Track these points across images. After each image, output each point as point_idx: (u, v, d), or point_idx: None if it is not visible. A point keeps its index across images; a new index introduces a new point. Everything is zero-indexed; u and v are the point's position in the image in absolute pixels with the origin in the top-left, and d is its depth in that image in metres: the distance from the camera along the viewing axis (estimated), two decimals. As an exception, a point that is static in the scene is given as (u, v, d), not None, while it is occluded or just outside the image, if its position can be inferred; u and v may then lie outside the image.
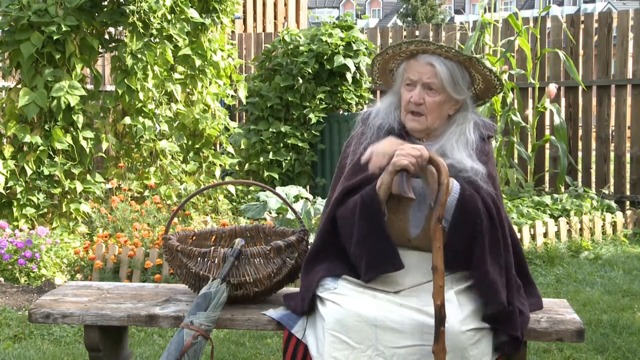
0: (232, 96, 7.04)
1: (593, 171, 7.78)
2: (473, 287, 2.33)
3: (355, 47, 7.57)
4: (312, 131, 7.47)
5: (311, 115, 7.42)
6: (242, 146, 7.47)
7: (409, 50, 2.44)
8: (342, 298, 2.28)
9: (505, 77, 7.37)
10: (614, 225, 6.62)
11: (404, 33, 8.63)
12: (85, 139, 5.70)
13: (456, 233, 2.29)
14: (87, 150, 5.73)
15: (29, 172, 5.46)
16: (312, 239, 2.66)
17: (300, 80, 7.44)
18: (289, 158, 7.40)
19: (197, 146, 6.50)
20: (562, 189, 7.30)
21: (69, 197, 5.71)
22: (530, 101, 7.82)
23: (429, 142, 2.44)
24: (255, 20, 10.73)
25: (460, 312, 2.24)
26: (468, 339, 2.21)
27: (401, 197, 2.27)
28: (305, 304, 2.37)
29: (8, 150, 5.51)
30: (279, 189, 6.49)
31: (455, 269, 2.32)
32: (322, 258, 2.43)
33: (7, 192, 5.52)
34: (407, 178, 2.23)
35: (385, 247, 2.31)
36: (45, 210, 5.57)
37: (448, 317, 2.20)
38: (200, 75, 6.38)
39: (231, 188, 6.67)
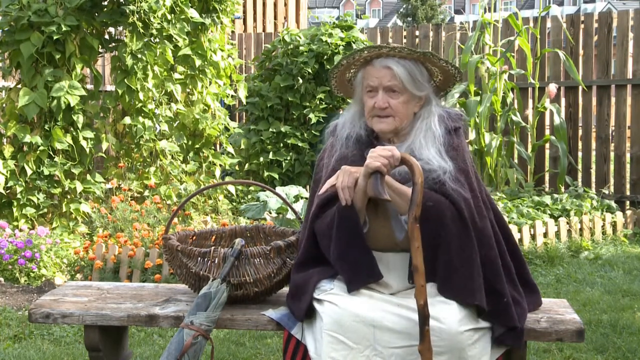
0: (232, 96, 7.05)
1: (593, 171, 7.78)
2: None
3: (355, 47, 7.57)
4: (312, 131, 7.47)
5: (311, 115, 7.42)
6: (242, 146, 7.47)
7: (362, 57, 2.45)
8: (340, 298, 2.29)
9: (505, 77, 7.37)
10: (614, 225, 6.62)
11: (404, 33, 8.63)
12: (85, 139, 5.70)
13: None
14: (87, 150, 5.73)
15: (29, 172, 5.46)
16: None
17: (300, 80, 7.44)
18: (289, 158, 7.40)
19: (197, 146, 6.50)
20: (562, 189, 7.30)
21: (69, 197, 5.71)
22: (530, 101, 7.82)
23: (398, 143, 2.44)
24: (255, 20, 10.72)
25: (458, 312, 2.24)
26: (466, 339, 2.21)
27: (377, 201, 2.28)
28: (302, 312, 2.36)
29: (8, 150, 5.51)
30: (279, 189, 6.49)
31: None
32: (311, 265, 2.43)
33: (7, 192, 5.52)
34: (381, 180, 2.23)
35: (364, 258, 2.31)
36: (45, 210, 5.57)
37: (445, 317, 2.20)
38: (200, 75, 6.38)
39: (231, 188, 6.67)
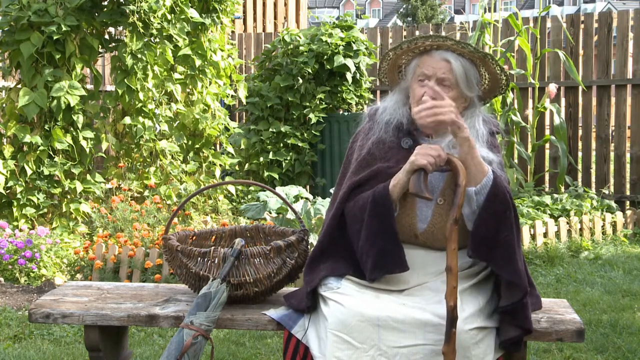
0: (232, 96, 7.04)
1: (593, 171, 7.78)
2: (480, 284, 2.35)
3: (355, 47, 7.57)
4: (312, 131, 7.47)
5: (311, 115, 7.42)
6: (242, 146, 7.47)
7: (424, 45, 2.43)
8: (345, 298, 2.28)
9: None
10: (614, 225, 6.62)
11: (404, 33, 8.63)
12: (85, 139, 5.70)
13: (486, 220, 2.27)
14: (87, 150, 5.73)
15: (29, 172, 5.46)
16: (312, 239, 2.66)
17: (300, 80, 7.44)
18: (289, 158, 7.40)
19: (197, 146, 6.50)
20: (562, 189, 7.30)
21: (69, 197, 5.71)
22: (530, 101, 7.82)
23: (438, 139, 2.43)
24: (255, 20, 10.72)
25: (463, 310, 2.24)
26: (471, 338, 2.21)
27: (409, 193, 2.28)
28: (306, 299, 2.37)
29: (8, 150, 5.51)
30: (279, 189, 6.49)
31: (478, 256, 2.29)
32: (327, 256, 2.43)
33: (7, 192, 5.51)
34: (424, 178, 2.23)
35: (394, 247, 2.30)
36: (45, 210, 5.57)
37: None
38: (200, 75, 6.38)
39: (231, 188, 6.67)
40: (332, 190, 2.62)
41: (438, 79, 2.39)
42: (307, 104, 7.46)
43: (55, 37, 5.37)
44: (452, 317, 2.13)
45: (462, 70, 2.40)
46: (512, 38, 7.46)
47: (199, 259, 2.57)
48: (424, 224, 2.37)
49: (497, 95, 2.57)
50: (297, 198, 6.35)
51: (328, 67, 7.45)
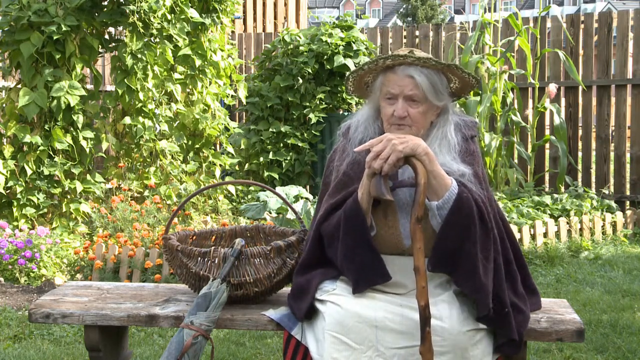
0: (232, 96, 7.04)
1: (593, 171, 7.78)
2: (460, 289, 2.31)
3: (355, 47, 7.57)
4: (312, 131, 7.47)
5: (311, 115, 7.42)
6: (242, 146, 7.47)
7: (385, 64, 2.41)
8: (342, 299, 2.28)
9: (505, 77, 7.37)
10: (614, 225, 6.62)
11: (404, 33, 8.63)
12: (85, 139, 5.70)
13: (448, 234, 2.25)
14: (87, 150, 5.73)
15: (29, 172, 5.46)
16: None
17: (300, 80, 7.44)
18: (289, 158, 7.40)
19: (197, 146, 6.50)
20: (562, 189, 7.30)
21: (69, 197, 5.71)
22: (530, 101, 7.82)
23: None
24: (255, 20, 10.72)
25: (461, 312, 2.24)
26: (468, 339, 2.21)
27: (386, 207, 2.27)
28: (303, 312, 2.36)
29: (8, 150, 5.51)
30: (279, 189, 6.49)
31: (439, 270, 2.27)
32: (315, 266, 2.43)
33: (7, 192, 5.51)
34: (384, 179, 2.22)
35: (372, 260, 2.29)
36: (45, 210, 5.57)
37: (448, 317, 2.20)
38: (200, 75, 6.38)
39: (231, 188, 6.67)
40: (315, 209, 2.61)
41: (405, 97, 2.37)
42: (307, 104, 7.46)
43: (55, 37, 5.37)
44: (425, 317, 2.12)
45: (427, 83, 2.37)
46: (512, 38, 7.46)
47: (199, 259, 2.57)
48: (409, 239, 2.34)
49: (470, 92, 2.55)
50: (297, 198, 6.35)
51: (328, 67, 7.45)
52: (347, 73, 2.46)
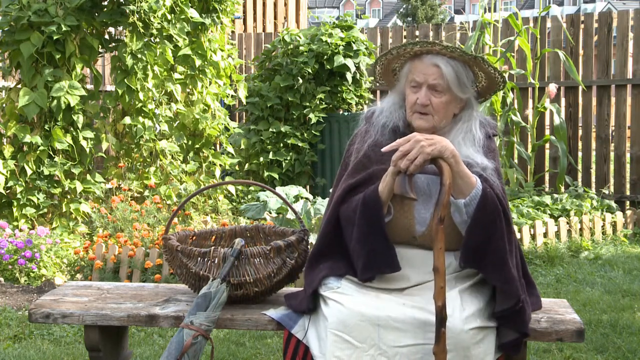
0: (232, 96, 7.04)
1: (593, 171, 7.78)
2: (480, 284, 2.34)
3: (355, 47, 7.57)
4: (312, 131, 7.47)
5: (311, 115, 7.42)
6: (242, 146, 7.47)
7: (413, 50, 2.44)
8: (345, 297, 2.29)
9: (505, 77, 7.37)
10: (614, 225, 6.62)
11: (404, 33, 8.63)
12: (85, 139, 5.70)
13: (477, 230, 2.28)
14: (87, 150, 5.73)
15: (29, 172, 5.46)
16: (312, 239, 2.66)
17: (300, 80, 7.44)
18: (289, 158, 7.40)
19: (197, 146, 6.50)
20: (562, 189, 7.30)
21: (69, 197, 5.71)
22: (530, 101, 7.82)
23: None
24: (255, 20, 10.73)
25: (463, 310, 2.24)
26: (470, 337, 2.21)
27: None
28: (306, 301, 2.37)
29: (8, 150, 5.51)
30: (279, 189, 6.49)
31: (470, 265, 2.31)
32: (326, 257, 2.43)
33: (7, 192, 5.51)
34: (409, 178, 2.23)
35: (384, 248, 2.31)
36: (45, 210, 5.57)
37: (450, 315, 2.20)
38: (200, 75, 6.38)
39: (231, 188, 6.67)
40: (332, 190, 2.62)
41: (429, 86, 2.40)
42: (307, 104, 7.46)
43: (55, 37, 5.37)
44: (441, 317, 2.13)
45: (453, 74, 2.40)
46: (512, 38, 7.46)
47: (199, 259, 2.57)
48: (423, 227, 2.37)
49: (496, 92, 2.57)
50: (297, 198, 6.35)
51: (328, 67, 7.45)
52: (376, 58, 2.48)
